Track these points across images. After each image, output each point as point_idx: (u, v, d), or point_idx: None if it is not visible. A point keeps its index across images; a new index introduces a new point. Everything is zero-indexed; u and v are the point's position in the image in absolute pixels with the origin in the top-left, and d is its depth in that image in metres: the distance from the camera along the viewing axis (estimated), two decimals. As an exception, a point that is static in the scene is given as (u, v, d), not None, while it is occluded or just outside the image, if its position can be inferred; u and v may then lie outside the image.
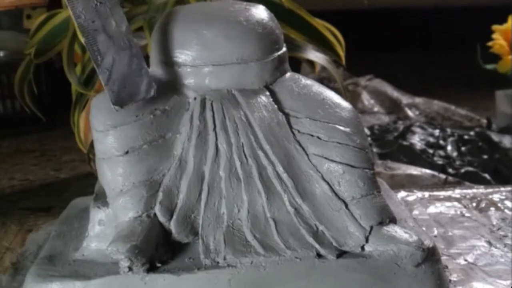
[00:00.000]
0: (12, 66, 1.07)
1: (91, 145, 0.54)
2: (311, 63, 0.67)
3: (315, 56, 0.65)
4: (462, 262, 0.49)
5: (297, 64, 0.67)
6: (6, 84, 1.03)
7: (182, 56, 0.43)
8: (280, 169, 0.41)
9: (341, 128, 0.43)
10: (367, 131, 0.95)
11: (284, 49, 0.46)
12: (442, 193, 0.64)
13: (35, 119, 0.77)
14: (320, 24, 0.64)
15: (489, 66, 1.04)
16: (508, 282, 0.45)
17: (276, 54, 0.45)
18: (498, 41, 1.01)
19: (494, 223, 0.57)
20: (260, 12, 0.45)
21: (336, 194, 0.41)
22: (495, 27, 1.02)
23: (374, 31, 1.63)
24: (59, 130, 1.01)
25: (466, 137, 0.92)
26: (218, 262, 0.39)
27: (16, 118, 1.04)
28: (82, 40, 0.39)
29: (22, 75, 0.67)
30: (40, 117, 0.71)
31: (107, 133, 0.41)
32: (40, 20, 0.68)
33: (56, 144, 0.97)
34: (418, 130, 0.96)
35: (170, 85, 0.43)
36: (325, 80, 1.07)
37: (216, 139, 0.42)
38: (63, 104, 0.71)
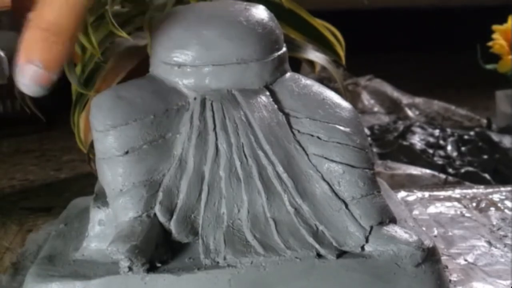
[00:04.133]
0: (11, 65, 1.07)
1: (91, 145, 0.54)
2: (311, 63, 0.67)
3: (315, 56, 0.65)
4: (462, 262, 0.49)
5: (297, 64, 0.67)
6: (6, 84, 1.03)
7: (182, 56, 0.43)
8: (280, 169, 0.41)
9: (341, 128, 0.42)
10: (367, 131, 0.95)
11: (284, 49, 0.46)
12: (442, 193, 0.64)
13: (35, 119, 0.76)
14: (320, 24, 0.64)
15: (489, 66, 1.04)
16: (508, 282, 0.45)
17: (276, 54, 0.45)
18: (498, 41, 1.01)
19: (494, 223, 0.57)
20: (260, 12, 0.45)
21: (336, 194, 0.41)
22: (495, 27, 1.02)
23: (374, 31, 1.63)
24: (59, 130, 1.01)
25: (466, 137, 0.92)
26: (218, 262, 0.39)
27: (16, 118, 1.04)
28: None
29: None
30: (40, 117, 0.71)
31: (107, 133, 0.41)
32: (40, 20, 0.67)
33: (56, 144, 0.97)
34: (418, 130, 0.96)
35: (170, 85, 0.43)
36: (325, 80, 1.07)
37: (216, 139, 0.42)
38: (63, 104, 0.71)
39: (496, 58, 1.02)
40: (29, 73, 0.34)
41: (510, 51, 1.01)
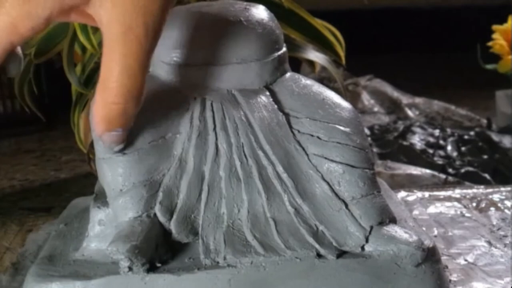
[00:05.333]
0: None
1: (91, 145, 0.54)
2: (311, 63, 0.67)
3: (315, 56, 0.65)
4: (462, 262, 0.49)
5: (297, 64, 0.67)
6: (6, 84, 1.03)
7: (182, 56, 0.43)
8: (280, 169, 0.41)
9: (341, 128, 0.42)
10: (367, 131, 0.95)
11: (284, 49, 0.46)
12: (442, 193, 0.64)
13: (35, 119, 0.76)
14: (320, 24, 0.64)
15: (489, 66, 1.04)
16: (508, 279, 0.45)
17: (276, 54, 0.45)
18: (498, 41, 1.01)
19: (494, 223, 0.57)
20: (260, 12, 0.45)
21: (336, 194, 0.41)
22: (495, 27, 1.02)
23: (374, 31, 1.63)
24: (59, 130, 1.01)
25: (466, 137, 0.92)
26: (218, 262, 0.39)
27: (16, 118, 1.04)
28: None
29: (22, 75, 0.67)
30: (40, 117, 0.71)
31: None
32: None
33: (56, 144, 0.97)
34: (418, 130, 0.96)
35: (170, 85, 0.43)
36: (325, 80, 1.07)
37: (216, 139, 0.42)
38: (63, 104, 0.71)
39: (496, 58, 1.02)
40: (112, 139, 0.38)
41: (510, 51, 1.01)
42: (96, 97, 0.37)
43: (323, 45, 0.64)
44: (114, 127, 0.38)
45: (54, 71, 1.07)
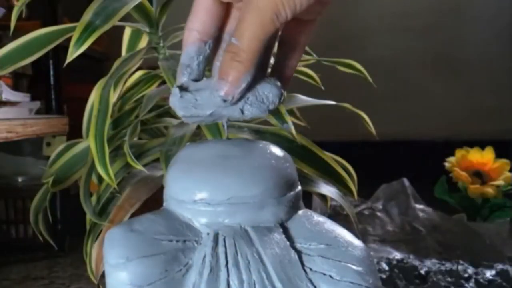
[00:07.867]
0: (28, 192, 1.09)
1: (102, 276, 0.54)
2: (323, 197, 0.68)
3: (327, 190, 0.66)
4: None
5: (308, 197, 0.68)
6: (21, 210, 1.04)
7: (197, 195, 0.43)
8: (291, 307, 0.40)
9: (354, 267, 0.42)
10: (385, 267, 0.93)
11: (299, 187, 0.46)
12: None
13: (46, 245, 0.76)
14: (331, 158, 0.65)
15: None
16: None
17: (292, 193, 0.45)
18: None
19: None
20: (277, 152, 0.46)
21: (349, 334, 0.40)
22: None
23: (386, 161, 1.66)
24: (70, 257, 1.01)
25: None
26: None
27: (27, 244, 1.04)
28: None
29: (38, 203, 0.68)
30: (51, 243, 0.71)
31: (119, 268, 0.41)
32: (60, 149, 0.70)
33: (66, 272, 0.96)
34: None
35: (184, 221, 0.44)
36: (338, 207, 1.07)
37: (228, 275, 0.41)
38: (76, 230, 0.71)
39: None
40: (222, 88, 0.44)
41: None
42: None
43: (335, 179, 0.65)
44: (224, 76, 0.43)
45: (68, 196, 1.09)
